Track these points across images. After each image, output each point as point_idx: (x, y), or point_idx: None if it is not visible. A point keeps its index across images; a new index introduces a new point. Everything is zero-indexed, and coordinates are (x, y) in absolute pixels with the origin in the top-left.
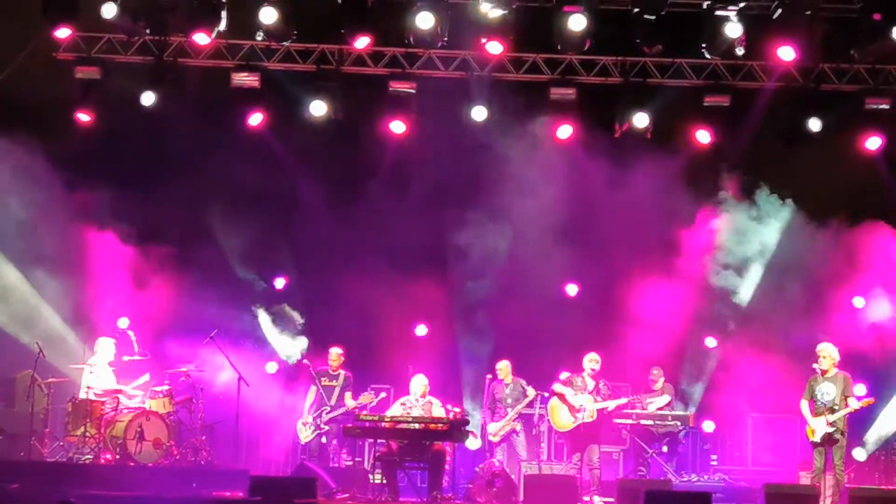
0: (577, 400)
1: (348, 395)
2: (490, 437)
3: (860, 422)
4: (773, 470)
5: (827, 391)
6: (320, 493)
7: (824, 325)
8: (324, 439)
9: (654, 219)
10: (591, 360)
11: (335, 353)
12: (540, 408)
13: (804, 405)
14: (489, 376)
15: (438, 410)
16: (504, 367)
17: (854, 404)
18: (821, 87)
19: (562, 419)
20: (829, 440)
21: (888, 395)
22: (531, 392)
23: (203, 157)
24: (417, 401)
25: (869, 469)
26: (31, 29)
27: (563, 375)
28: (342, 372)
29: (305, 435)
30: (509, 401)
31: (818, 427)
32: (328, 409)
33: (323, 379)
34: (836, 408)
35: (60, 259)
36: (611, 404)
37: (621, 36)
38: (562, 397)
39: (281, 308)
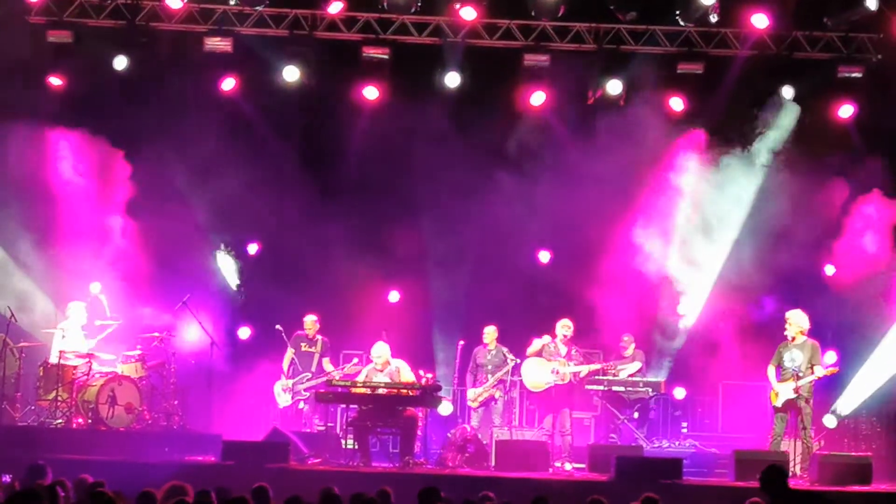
0: (549, 364)
1: (326, 360)
2: (469, 402)
3: (830, 389)
4: (743, 436)
5: (794, 357)
6: (292, 458)
7: (795, 293)
8: (301, 405)
9: (627, 184)
10: (564, 327)
11: (311, 320)
12: (513, 375)
13: (771, 370)
14: (461, 342)
15: (408, 374)
16: (490, 331)
17: (819, 372)
18: (794, 55)
19: (534, 379)
20: (791, 406)
21: (858, 363)
22: (511, 360)
23: (175, 121)
24: (381, 369)
25: (839, 436)
26: None
27: (535, 344)
28: (320, 337)
29: (284, 400)
30: (490, 367)
31: (782, 392)
32: (308, 375)
33: (302, 344)
34: (802, 375)
35: (31, 223)
36: (584, 369)
37: (595, 2)
38: (539, 354)
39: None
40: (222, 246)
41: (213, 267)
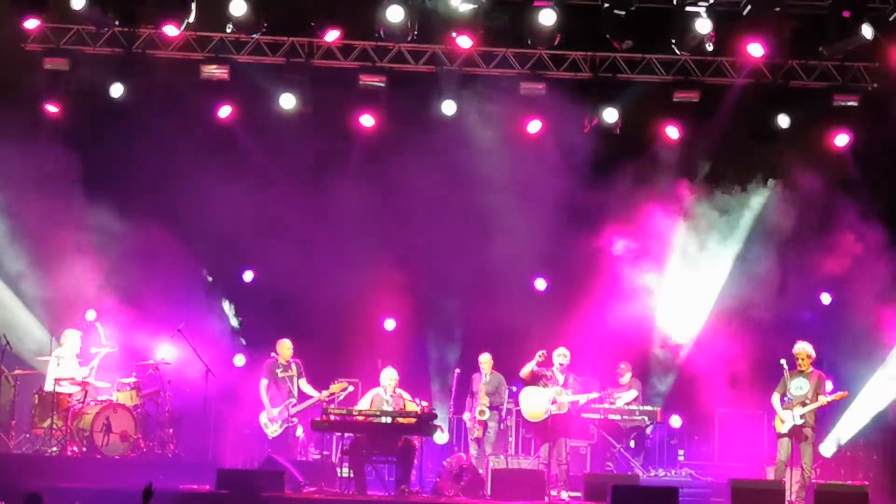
0: (548, 392)
1: (303, 381)
2: (467, 424)
3: (828, 418)
4: (739, 465)
5: (801, 385)
6: (288, 487)
7: (791, 322)
8: (299, 432)
9: (623, 212)
10: (560, 356)
11: (288, 345)
12: (508, 401)
13: (776, 398)
14: (457, 370)
15: (410, 404)
16: (485, 359)
17: (825, 398)
18: (789, 84)
19: (533, 408)
20: (796, 433)
21: (854, 392)
22: (497, 384)
23: (171, 149)
24: (387, 394)
25: (835, 465)
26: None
27: (527, 367)
28: (293, 361)
29: (273, 430)
30: (482, 393)
31: (787, 418)
32: (294, 401)
33: (278, 370)
34: (808, 402)
35: (27, 250)
36: (582, 398)
37: (591, 31)
38: (534, 376)
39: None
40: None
41: (212, 303)
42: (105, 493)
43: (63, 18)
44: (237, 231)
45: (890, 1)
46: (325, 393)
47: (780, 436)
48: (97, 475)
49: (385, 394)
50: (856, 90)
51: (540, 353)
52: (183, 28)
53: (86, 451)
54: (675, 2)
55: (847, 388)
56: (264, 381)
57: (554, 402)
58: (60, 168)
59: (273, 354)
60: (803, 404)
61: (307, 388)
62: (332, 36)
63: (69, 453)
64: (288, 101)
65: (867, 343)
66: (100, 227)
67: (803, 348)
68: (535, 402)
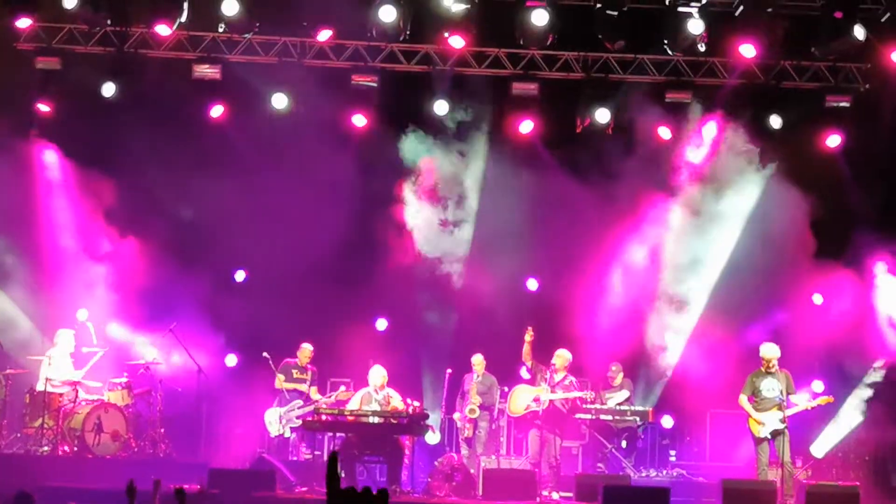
0: (534, 390)
1: (314, 389)
2: (457, 424)
3: (819, 418)
4: (731, 465)
5: (772, 387)
6: (279, 487)
7: (784, 322)
8: (287, 433)
9: (614, 213)
10: (559, 357)
11: (308, 349)
12: (500, 402)
13: (744, 400)
14: (449, 370)
15: (397, 402)
16: (478, 360)
17: (802, 402)
18: (782, 85)
19: (516, 404)
20: (775, 435)
21: (846, 392)
22: (489, 385)
23: (163, 148)
24: (377, 392)
25: (826, 465)
26: None
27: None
28: (309, 368)
29: (276, 428)
30: (472, 393)
31: (768, 421)
32: (300, 403)
33: (294, 371)
34: (783, 404)
35: (18, 249)
36: (562, 395)
37: (583, 31)
38: (532, 379)
39: None
40: None
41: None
42: (96, 492)
43: (55, 17)
44: (229, 230)
45: (882, 1)
46: (326, 399)
47: (759, 440)
48: (88, 475)
49: (375, 393)
50: (848, 91)
51: (528, 330)
52: (175, 27)
53: (77, 450)
54: (667, 2)
55: (839, 389)
56: (280, 377)
57: (536, 399)
58: (51, 166)
59: (265, 355)
60: (779, 407)
61: (315, 396)
62: (325, 36)
63: (60, 453)
64: (280, 101)
65: (859, 344)
66: (90, 225)
67: (771, 350)
68: (518, 399)
